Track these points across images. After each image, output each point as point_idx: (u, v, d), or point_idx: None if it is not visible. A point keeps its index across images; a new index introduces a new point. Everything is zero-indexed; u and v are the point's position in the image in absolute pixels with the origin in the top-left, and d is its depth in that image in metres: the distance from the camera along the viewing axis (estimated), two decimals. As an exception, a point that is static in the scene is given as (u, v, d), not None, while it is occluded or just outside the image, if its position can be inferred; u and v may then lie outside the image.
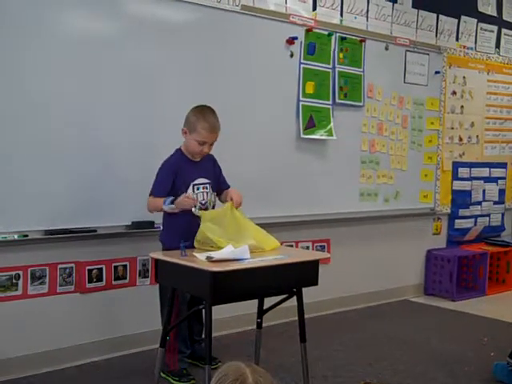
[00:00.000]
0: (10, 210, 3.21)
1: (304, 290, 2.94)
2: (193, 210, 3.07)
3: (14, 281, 3.30)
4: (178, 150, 3.28)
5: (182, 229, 3.08)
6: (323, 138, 4.55)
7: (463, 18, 5.58)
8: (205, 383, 2.58)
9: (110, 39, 3.51)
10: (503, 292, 5.69)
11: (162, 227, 3.37)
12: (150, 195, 3.20)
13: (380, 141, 4.99)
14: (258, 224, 3.12)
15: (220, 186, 3.34)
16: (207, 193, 3.25)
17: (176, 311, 3.05)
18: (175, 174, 3.17)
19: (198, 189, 3.21)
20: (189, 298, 3.21)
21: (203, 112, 3.19)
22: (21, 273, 3.31)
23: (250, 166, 4.11)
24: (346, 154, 4.73)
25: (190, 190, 3.18)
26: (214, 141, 3.24)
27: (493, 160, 6.00)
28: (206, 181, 3.26)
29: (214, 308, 2.62)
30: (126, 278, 3.71)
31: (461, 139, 5.68)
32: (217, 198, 3.30)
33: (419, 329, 4.40)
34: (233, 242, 2.85)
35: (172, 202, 3.06)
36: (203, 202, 3.21)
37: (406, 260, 5.37)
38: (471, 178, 5.78)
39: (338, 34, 4.59)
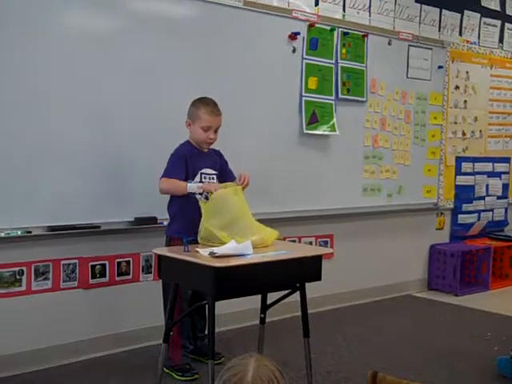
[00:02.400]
0: (13, 206, 3.21)
1: (307, 285, 2.94)
2: (198, 197, 3.11)
3: (17, 277, 3.31)
4: (187, 142, 3.32)
5: (187, 219, 3.15)
6: (326, 133, 4.55)
7: (466, 12, 5.56)
8: (208, 378, 2.59)
9: (111, 36, 3.50)
10: (507, 287, 5.68)
11: (168, 220, 3.37)
12: (162, 177, 3.19)
13: (383, 136, 4.98)
14: (260, 219, 3.13)
15: (226, 177, 3.35)
16: (214, 183, 3.25)
17: (179, 307, 3.06)
18: (186, 162, 3.21)
19: (205, 178, 3.24)
20: (190, 294, 3.22)
21: (202, 100, 3.27)
22: (24, 269, 3.32)
23: (253, 161, 4.09)
24: (348, 150, 4.73)
25: (197, 178, 3.22)
26: (219, 126, 3.28)
27: (496, 155, 5.98)
28: (213, 172, 3.30)
29: (217, 303, 2.62)
30: (129, 274, 3.72)
31: (464, 134, 5.67)
32: None
33: (422, 324, 4.40)
34: (237, 237, 2.85)
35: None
36: (201, 191, 3.21)
37: (409, 255, 5.37)
38: (474, 173, 5.77)
39: (340, 29, 4.58)
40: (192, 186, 3.12)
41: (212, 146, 3.38)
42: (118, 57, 3.51)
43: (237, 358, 1.42)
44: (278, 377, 1.38)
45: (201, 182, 3.18)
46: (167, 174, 3.20)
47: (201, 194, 3.17)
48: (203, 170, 3.26)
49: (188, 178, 3.20)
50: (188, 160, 3.23)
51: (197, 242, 2.93)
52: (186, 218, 3.20)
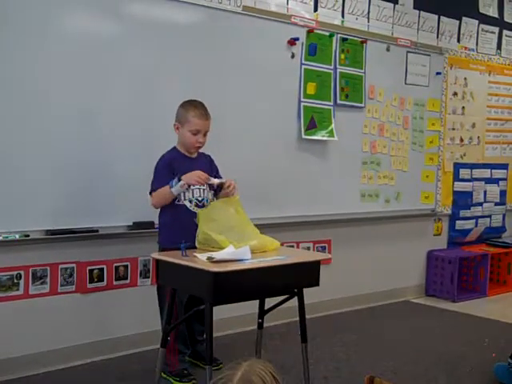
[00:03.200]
0: (11, 209, 3.21)
1: (305, 290, 2.94)
2: (188, 205, 3.11)
3: (15, 281, 3.30)
4: (174, 148, 3.29)
5: (178, 227, 3.12)
6: (324, 138, 4.55)
7: (464, 19, 5.58)
8: (206, 383, 2.58)
9: (111, 40, 3.51)
10: (504, 293, 5.68)
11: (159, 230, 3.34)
12: (150, 193, 3.18)
13: (381, 142, 4.99)
14: (258, 225, 3.13)
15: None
16: (204, 190, 3.21)
17: (175, 311, 3.05)
18: (172, 170, 3.15)
19: (193, 185, 3.14)
20: (186, 298, 3.21)
21: (191, 103, 3.22)
22: (22, 273, 3.32)
23: (251, 166, 4.11)
24: (347, 155, 4.73)
25: (186, 185, 3.15)
26: (207, 130, 3.23)
27: (494, 161, 5.99)
28: None
29: (214, 308, 2.62)
30: (126, 279, 3.72)
31: (462, 140, 5.68)
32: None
33: (420, 330, 4.40)
34: (235, 242, 2.85)
35: (179, 181, 3.06)
36: (200, 198, 3.19)
37: (406, 261, 5.37)
38: (472, 179, 5.78)
39: (339, 35, 4.60)
40: (176, 189, 3.07)
41: (204, 151, 3.36)
42: (118, 61, 3.51)
43: (232, 363, 1.41)
44: (267, 381, 1.34)
45: (179, 180, 3.06)
46: (153, 187, 3.16)
47: (190, 201, 3.16)
48: None
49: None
50: (175, 167, 3.16)
51: (193, 248, 2.92)
52: (177, 226, 3.15)
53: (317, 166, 4.57)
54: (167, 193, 3.10)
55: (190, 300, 3.19)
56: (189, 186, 3.11)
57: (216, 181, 3.13)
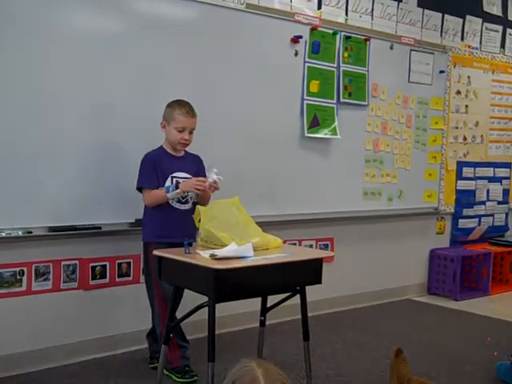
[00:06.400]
0: (14, 206, 3.22)
1: (307, 288, 2.94)
2: (170, 201, 3.17)
3: (18, 277, 3.31)
4: (160, 146, 3.33)
5: (159, 223, 3.22)
6: (327, 136, 4.55)
7: (468, 17, 5.57)
8: (208, 379, 2.59)
9: (115, 37, 3.51)
10: (507, 292, 5.68)
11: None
12: (140, 188, 3.24)
13: (384, 140, 4.99)
14: (261, 222, 3.14)
15: None
16: None
17: (164, 308, 3.09)
18: (156, 167, 3.22)
19: (177, 181, 3.21)
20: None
21: (177, 102, 3.27)
22: (25, 269, 3.33)
23: (254, 164, 4.11)
24: (350, 153, 4.73)
25: (168, 182, 3.21)
26: (193, 128, 3.27)
27: (497, 160, 5.99)
28: (187, 175, 3.26)
29: (217, 306, 2.62)
30: (129, 275, 3.72)
31: (465, 139, 5.68)
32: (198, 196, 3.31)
33: (422, 328, 4.40)
34: (237, 239, 2.85)
35: (176, 187, 3.14)
36: (183, 195, 3.23)
37: (409, 259, 5.37)
38: (475, 178, 5.77)
39: (342, 33, 4.59)
40: (171, 195, 3.16)
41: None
42: (120, 58, 3.52)
43: (237, 368, 1.39)
44: (285, 377, 1.39)
45: (177, 187, 3.16)
46: (141, 183, 3.23)
47: (183, 198, 3.21)
48: (175, 174, 3.24)
49: (159, 181, 3.21)
50: (158, 164, 3.22)
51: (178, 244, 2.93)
52: (159, 222, 3.23)
53: (319, 164, 4.57)
54: (162, 197, 3.18)
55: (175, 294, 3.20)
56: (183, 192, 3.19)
57: (210, 180, 3.15)
